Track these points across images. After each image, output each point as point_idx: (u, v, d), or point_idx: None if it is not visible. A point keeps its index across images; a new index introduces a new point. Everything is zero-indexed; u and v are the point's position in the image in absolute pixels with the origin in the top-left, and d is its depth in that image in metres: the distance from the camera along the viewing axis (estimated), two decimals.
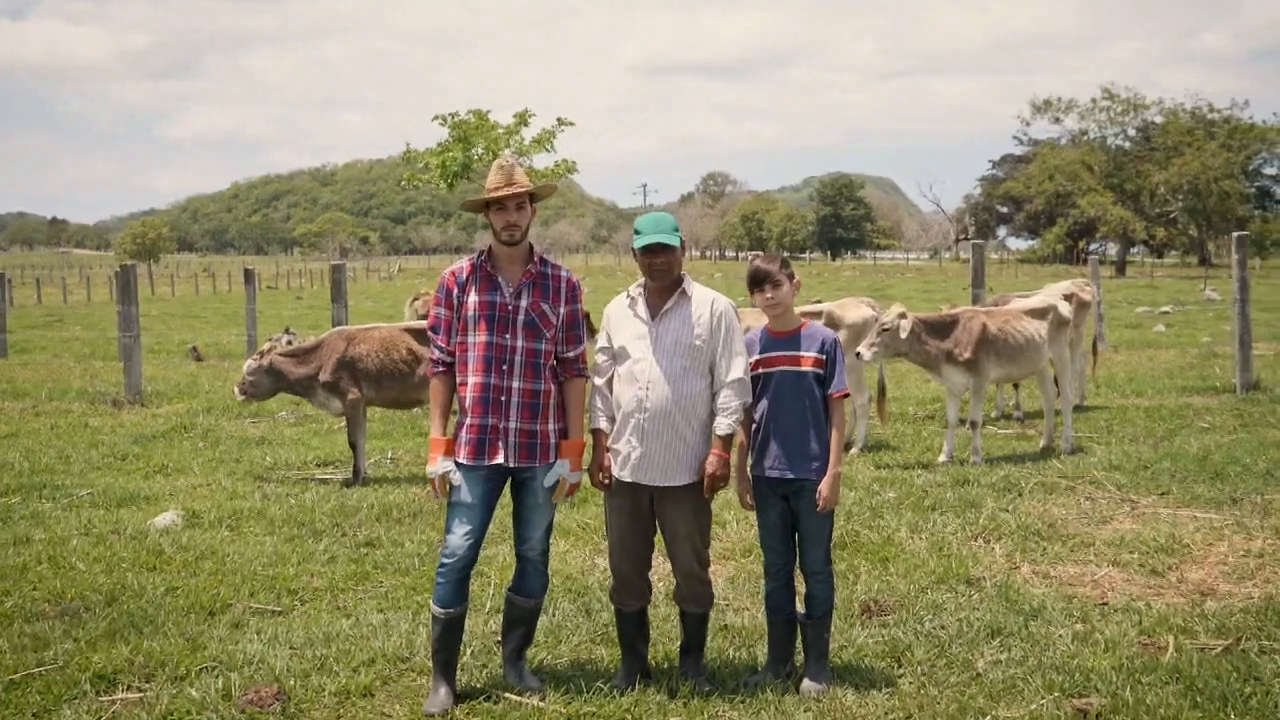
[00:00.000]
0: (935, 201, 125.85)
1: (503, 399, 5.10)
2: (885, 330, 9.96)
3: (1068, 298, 11.86)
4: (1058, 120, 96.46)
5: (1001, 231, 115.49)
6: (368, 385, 9.91)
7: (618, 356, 5.21)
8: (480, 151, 26.55)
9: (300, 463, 10.87)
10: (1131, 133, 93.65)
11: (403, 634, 5.94)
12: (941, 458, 10.31)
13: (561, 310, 5.21)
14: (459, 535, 5.10)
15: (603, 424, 5.25)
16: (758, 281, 5.23)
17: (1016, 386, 12.84)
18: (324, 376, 9.93)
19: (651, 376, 5.07)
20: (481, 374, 5.09)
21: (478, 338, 5.11)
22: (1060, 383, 11.14)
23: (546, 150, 25.95)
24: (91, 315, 39.73)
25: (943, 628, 5.93)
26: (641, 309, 5.20)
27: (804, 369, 5.17)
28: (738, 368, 5.12)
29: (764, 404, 5.22)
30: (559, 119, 25.30)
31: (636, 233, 5.17)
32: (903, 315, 9.97)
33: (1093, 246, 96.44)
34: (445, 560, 5.12)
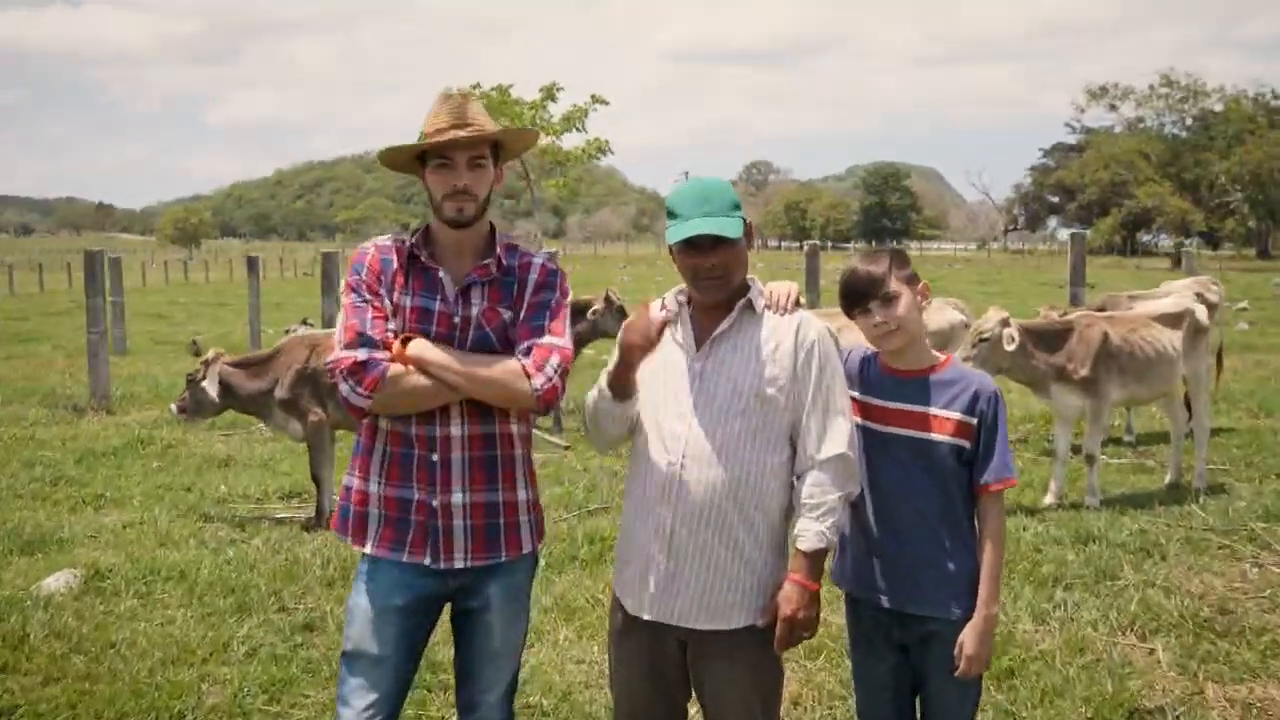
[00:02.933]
0: (984, 191, 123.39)
1: (434, 456, 3.17)
2: (983, 340, 7.92)
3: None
4: (1114, 108, 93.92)
5: (1052, 222, 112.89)
6: (334, 405, 7.94)
7: (641, 398, 3.23)
8: None
9: (261, 493, 8.98)
10: (1189, 121, 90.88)
11: None
12: (1049, 498, 8.26)
13: (526, 301, 3.27)
14: (358, 711, 3.15)
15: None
16: (859, 296, 3.23)
17: (1128, 406, 10.73)
18: (281, 393, 8.00)
19: (691, 445, 3.10)
20: (401, 416, 3.20)
21: None
22: (1194, 404, 9.04)
23: (577, 129, 23.79)
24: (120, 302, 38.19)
25: None
26: (683, 330, 3.22)
27: (936, 437, 3.17)
28: (838, 437, 3.09)
29: (864, 484, 3.24)
30: (593, 96, 23.11)
31: (671, 215, 3.14)
32: (1005, 322, 7.93)
33: (1145, 238, 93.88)
34: None
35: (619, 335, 3.14)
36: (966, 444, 3.16)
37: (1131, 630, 5.67)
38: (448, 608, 3.35)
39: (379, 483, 3.21)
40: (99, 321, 13.20)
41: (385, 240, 3.33)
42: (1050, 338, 8.23)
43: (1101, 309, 9.88)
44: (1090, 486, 8.24)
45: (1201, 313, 8.84)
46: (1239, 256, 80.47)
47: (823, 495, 3.05)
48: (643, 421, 3.21)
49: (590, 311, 11.40)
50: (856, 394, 3.25)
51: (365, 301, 3.19)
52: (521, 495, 3.28)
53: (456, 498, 3.17)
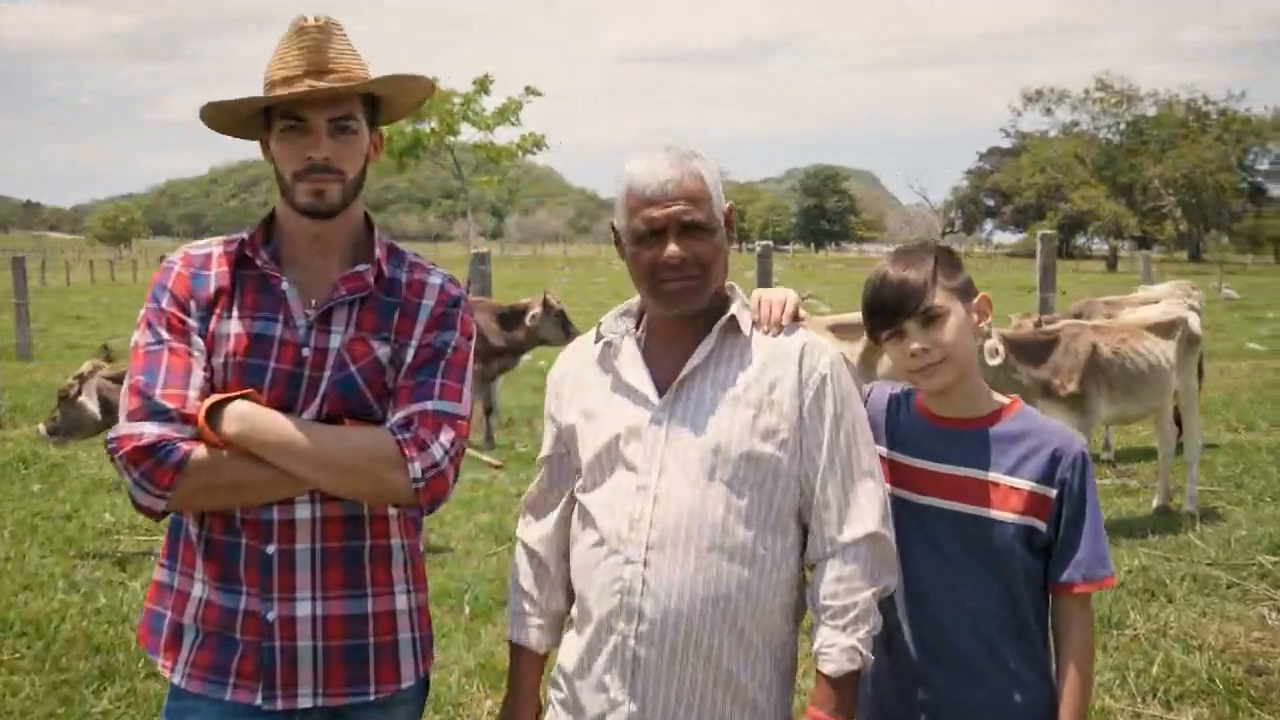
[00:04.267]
0: (921, 194, 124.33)
1: (269, 548, 2.23)
2: None
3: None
4: (1049, 111, 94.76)
5: (988, 225, 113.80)
6: None
7: (584, 473, 2.36)
8: (434, 125, 23.20)
9: (150, 523, 7.93)
10: (1124, 126, 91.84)
11: None
12: None
13: (414, 344, 2.33)
14: None
15: (532, 636, 2.43)
16: (889, 312, 2.35)
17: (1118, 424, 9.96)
18: None
19: (657, 533, 2.21)
20: None
21: None
22: (1184, 421, 8.31)
23: (511, 123, 22.76)
24: (33, 305, 36.53)
25: None
26: (634, 369, 2.33)
27: (998, 514, 2.31)
28: (867, 509, 2.24)
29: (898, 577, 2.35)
30: (527, 88, 22.14)
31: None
32: (987, 333, 7.11)
33: (1080, 241, 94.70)
34: None
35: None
36: (1041, 525, 2.29)
37: (1155, 697, 4.86)
38: None
39: (201, 582, 2.28)
40: None
41: (201, 246, 2.38)
42: (1034, 350, 7.44)
43: (1078, 316, 9.15)
44: None
45: (1195, 321, 8.12)
46: (1170, 259, 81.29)
47: (850, 594, 2.18)
48: (586, 502, 2.32)
49: (529, 317, 10.47)
50: (883, 450, 2.38)
51: (160, 344, 2.23)
52: (401, 602, 2.35)
53: (302, 608, 2.24)
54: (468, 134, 23.25)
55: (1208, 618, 5.83)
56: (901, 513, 2.34)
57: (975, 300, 2.38)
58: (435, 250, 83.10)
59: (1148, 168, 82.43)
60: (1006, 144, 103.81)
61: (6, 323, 27.37)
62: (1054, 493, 2.30)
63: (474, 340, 2.39)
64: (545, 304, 10.45)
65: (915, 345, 2.31)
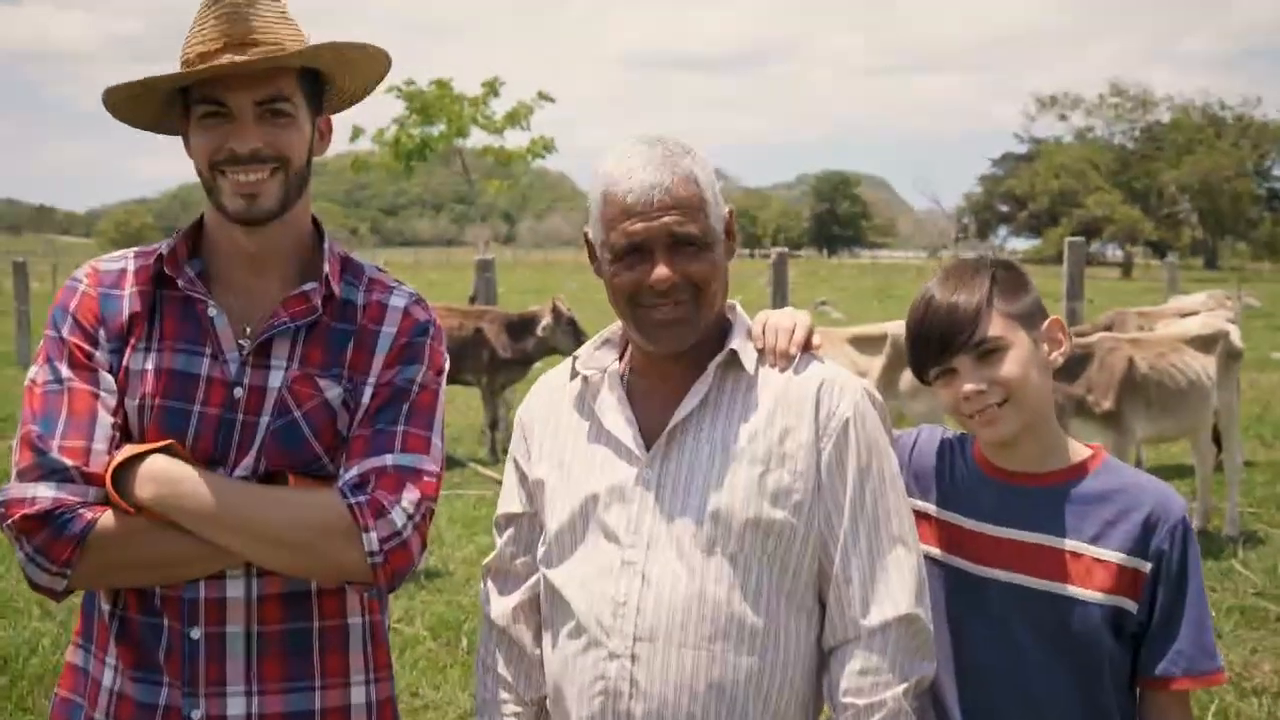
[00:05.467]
0: (934, 199, 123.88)
1: (194, 633, 1.85)
2: None
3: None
4: (1063, 117, 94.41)
5: (1002, 231, 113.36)
6: None
7: (552, 541, 1.96)
8: (443, 128, 22.77)
9: None
10: (1138, 132, 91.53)
11: None
12: None
13: (371, 382, 1.92)
14: None
15: None
16: (936, 345, 1.95)
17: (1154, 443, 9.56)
18: None
19: (646, 620, 1.82)
20: None
21: None
22: (1224, 439, 7.91)
23: (521, 127, 22.38)
24: (42, 310, 36.30)
25: None
26: (615, 414, 1.93)
27: (1078, 592, 1.91)
28: (898, 585, 1.84)
29: (946, 658, 1.96)
30: (539, 92, 21.75)
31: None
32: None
33: (1094, 247, 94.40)
34: None
35: None
36: (1132, 606, 1.90)
37: None
38: None
39: (113, 669, 1.91)
40: None
41: (113, 259, 2.00)
42: (1067, 364, 6.98)
43: (1109, 328, 8.74)
44: None
45: (1235, 335, 7.70)
46: (1186, 267, 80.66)
47: (876, 690, 1.79)
48: (554, 578, 1.93)
49: (540, 326, 10.14)
50: (931, 508, 1.99)
51: (60, 383, 1.84)
52: (358, 695, 1.96)
53: (234, 705, 1.87)
54: (477, 138, 23.03)
55: (1259, 655, 5.45)
56: (956, 586, 1.96)
57: (1044, 326, 1.99)
58: (447, 255, 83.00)
59: (1163, 173, 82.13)
60: (1020, 149, 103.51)
61: (9, 328, 27.11)
62: (1148, 566, 1.90)
63: (445, 372, 2.00)
64: (555, 312, 10.12)
65: (969, 386, 1.92)
